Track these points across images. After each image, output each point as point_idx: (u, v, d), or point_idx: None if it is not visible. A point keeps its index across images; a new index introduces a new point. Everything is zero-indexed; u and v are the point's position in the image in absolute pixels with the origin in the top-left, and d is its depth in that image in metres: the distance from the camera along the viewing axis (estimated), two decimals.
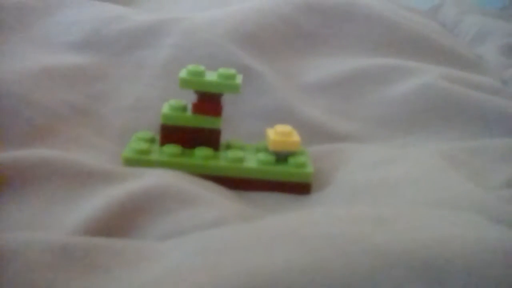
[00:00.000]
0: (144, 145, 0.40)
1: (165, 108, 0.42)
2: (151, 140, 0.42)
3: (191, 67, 0.41)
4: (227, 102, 0.49)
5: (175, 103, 0.42)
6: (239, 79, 0.41)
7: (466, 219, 0.27)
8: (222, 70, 0.41)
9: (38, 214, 0.33)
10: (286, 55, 0.57)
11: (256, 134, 0.47)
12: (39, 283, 0.25)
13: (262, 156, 0.41)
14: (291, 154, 0.41)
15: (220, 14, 0.58)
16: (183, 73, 0.41)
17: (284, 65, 0.56)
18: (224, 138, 0.45)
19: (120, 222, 0.33)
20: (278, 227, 0.25)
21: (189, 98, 0.43)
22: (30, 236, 0.28)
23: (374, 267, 0.21)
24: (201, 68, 0.41)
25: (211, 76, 0.41)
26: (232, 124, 0.48)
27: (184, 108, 0.42)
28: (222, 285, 0.21)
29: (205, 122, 0.41)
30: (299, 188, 0.40)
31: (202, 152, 0.40)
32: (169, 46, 0.52)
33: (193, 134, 0.41)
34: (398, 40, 0.62)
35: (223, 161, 0.40)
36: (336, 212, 0.26)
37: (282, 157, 0.41)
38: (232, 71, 0.41)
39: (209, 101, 0.41)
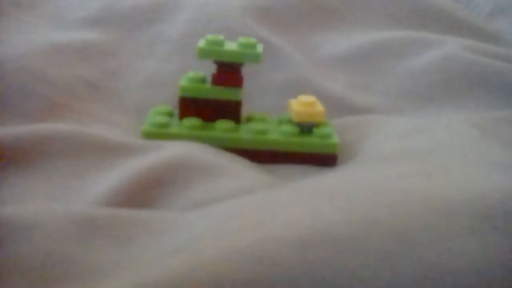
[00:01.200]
0: (163, 119, 0.39)
1: (183, 80, 0.40)
2: (170, 114, 0.41)
3: (210, 36, 0.39)
4: (246, 76, 0.47)
5: (194, 75, 0.40)
6: (260, 48, 0.40)
7: (506, 173, 0.25)
8: (242, 39, 0.39)
9: (57, 187, 0.32)
10: (303, 30, 0.55)
11: (276, 108, 0.46)
12: (61, 254, 0.24)
13: (285, 127, 0.39)
14: (315, 125, 0.40)
15: None
16: (201, 43, 0.39)
17: (301, 39, 0.54)
18: (244, 113, 0.44)
19: (142, 194, 0.32)
20: (318, 186, 0.24)
21: (207, 72, 0.41)
22: (51, 207, 0.27)
23: (429, 219, 0.19)
24: (220, 37, 0.39)
25: (230, 46, 0.39)
26: (251, 98, 0.47)
27: (203, 80, 0.40)
28: (246, 248, 0.19)
29: (225, 93, 0.40)
30: (325, 159, 0.39)
31: (223, 125, 0.39)
32: (183, 21, 0.50)
33: (213, 106, 0.40)
34: (416, 13, 0.60)
35: (245, 133, 0.39)
36: (378, 169, 0.25)
37: (306, 128, 0.40)
38: (252, 40, 0.39)
39: (229, 72, 0.40)
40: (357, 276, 0.18)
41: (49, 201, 0.31)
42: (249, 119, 0.41)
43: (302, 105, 0.39)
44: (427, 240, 0.19)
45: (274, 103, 0.46)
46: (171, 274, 0.19)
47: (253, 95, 0.47)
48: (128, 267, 0.23)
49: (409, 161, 0.31)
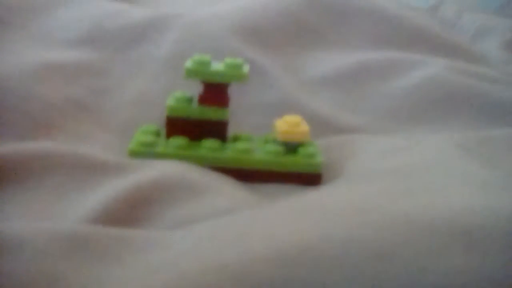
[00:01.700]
0: (149, 138, 0.39)
1: (170, 100, 0.41)
2: (157, 133, 0.41)
3: (196, 56, 0.40)
4: (232, 96, 0.48)
5: (180, 94, 0.41)
6: (246, 68, 0.40)
7: (490, 192, 0.26)
8: (228, 60, 0.40)
9: (44, 206, 0.32)
10: (290, 50, 0.56)
11: (262, 128, 0.46)
12: (48, 271, 0.24)
13: (270, 147, 0.40)
14: (300, 144, 0.40)
15: (223, 9, 0.57)
16: (188, 63, 0.40)
17: (288, 59, 0.55)
18: (230, 132, 0.44)
19: (128, 213, 0.32)
20: (300, 205, 0.24)
21: (194, 92, 0.42)
22: (38, 225, 0.27)
23: (411, 236, 0.20)
24: (207, 57, 0.40)
25: (217, 66, 0.40)
26: (237, 118, 0.47)
27: (189, 100, 0.41)
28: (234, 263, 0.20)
29: (212, 113, 0.40)
30: (310, 179, 0.39)
31: (209, 144, 0.39)
32: (172, 41, 0.51)
33: (199, 126, 0.40)
34: (401, 34, 0.61)
35: (231, 152, 0.39)
36: (361, 187, 0.25)
37: (291, 148, 0.40)
38: (239, 60, 0.40)
39: (215, 92, 0.40)
40: None
41: (36, 219, 0.31)
42: (235, 139, 0.42)
43: (287, 124, 0.40)
44: (409, 257, 0.19)
45: (261, 122, 0.47)
46: None
47: (240, 115, 0.47)
48: (113, 285, 0.24)
49: (392, 179, 0.31)
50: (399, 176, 0.35)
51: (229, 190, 0.34)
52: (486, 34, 0.77)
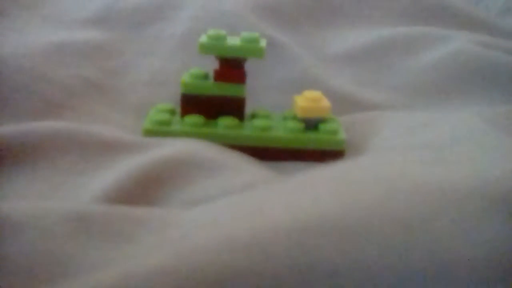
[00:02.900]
0: (164, 116, 0.38)
1: (185, 77, 0.39)
2: (172, 112, 0.40)
3: (211, 31, 0.38)
4: (249, 73, 0.46)
5: (196, 71, 0.39)
6: (263, 42, 0.39)
7: None
8: (245, 34, 0.38)
9: (56, 185, 0.31)
10: (309, 27, 0.54)
11: (281, 105, 0.45)
12: (56, 251, 0.23)
13: (290, 123, 0.38)
14: (321, 120, 0.39)
15: None
16: (203, 38, 0.38)
17: (307, 37, 0.53)
18: (248, 110, 0.43)
19: (143, 191, 0.31)
20: (324, 174, 0.23)
21: (210, 69, 0.40)
22: (45, 204, 0.26)
23: (445, 205, 0.18)
24: (222, 32, 0.38)
25: (233, 40, 0.38)
26: (256, 96, 0.45)
27: (205, 76, 0.39)
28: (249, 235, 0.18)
29: (228, 90, 0.39)
30: (332, 156, 0.38)
31: (226, 122, 0.38)
32: (186, 19, 0.50)
33: (215, 103, 0.39)
34: (424, 9, 0.59)
35: (249, 130, 0.38)
36: (385, 158, 0.24)
37: (311, 124, 0.39)
38: (255, 34, 0.38)
39: (232, 67, 0.38)
40: (360, 265, 0.16)
41: (46, 199, 0.30)
42: (253, 116, 0.40)
43: (307, 100, 0.38)
44: (438, 227, 0.18)
45: (279, 100, 0.45)
46: (162, 263, 0.18)
47: (258, 92, 0.46)
48: (125, 263, 0.22)
49: (419, 152, 0.29)
50: (428, 149, 0.33)
51: (246, 167, 0.33)
52: (511, 10, 0.74)
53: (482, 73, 0.49)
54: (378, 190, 0.19)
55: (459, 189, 0.19)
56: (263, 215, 0.19)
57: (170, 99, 0.44)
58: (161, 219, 0.26)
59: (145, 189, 0.31)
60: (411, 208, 0.18)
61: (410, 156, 0.24)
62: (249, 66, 0.46)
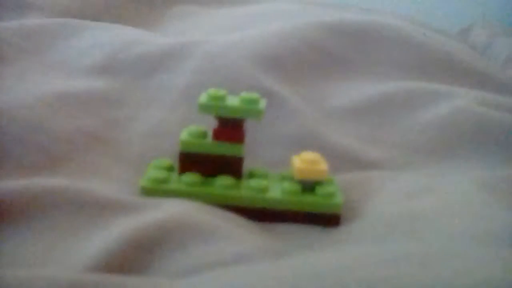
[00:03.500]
0: (162, 174, 0.38)
1: (184, 135, 0.39)
2: (169, 168, 0.40)
3: (211, 91, 0.38)
4: (248, 127, 0.47)
5: (195, 129, 0.39)
6: (262, 103, 0.39)
7: (505, 255, 0.23)
8: (244, 94, 0.38)
9: (47, 248, 0.31)
10: (311, 80, 0.55)
11: (280, 162, 0.45)
12: None
13: (287, 185, 0.38)
14: (318, 183, 0.39)
15: (242, 37, 0.55)
16: (203, 98, 0.39)
17: (309, 89, 0.53)
18: (246, 166, 0.43)
19: (134, 257, 0.31)
20: (305, 269, 0.22)
21: (210, 124, 0.40)
22: (33, 273, 0.26)
23: None
24: (222, 92, 0.38)
25: (232, 101, 0.39)
26: (255, 151, 0.46)
27: (204, 135, 0.39)
28: None
29: (226, 149, 0.39)
30: (328, 219, 0.38)
31: (223, 181, 0.38)
32: (189, 70, 0.50)
33: (213, 162, 0.39)
34: (428, 62, 0.59)
35: (246, 190, 0.38)
36: (371, 251, 0.23)
37: (308, 187, 0.39)
38: (255, 95, 0.38)
39: (230, 127, 0.39)
40: None
41: (37, 264, 0.30)
42: (251, 175, 0.40)
43: (305, 162, 0.38)
44: None
45: (279, 156, 0.45)
46: None
47: (257, 148, 0.46)
48: None
49: (404, 230, 0.29)
50: (419, 223, 0.33)
51: (240, 234, 0.32)
52: None
53: (483, 134, 0.49)
54: None
55: None
56: None
57: (171, 151, 0.44)
58: None
59: (137, 255, 0.31)
60: None
61: (397, 248, 0.24)
62: (251, 121, 0.47)
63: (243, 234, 0.33)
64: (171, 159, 0.43)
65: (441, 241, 0.29)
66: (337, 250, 0.25)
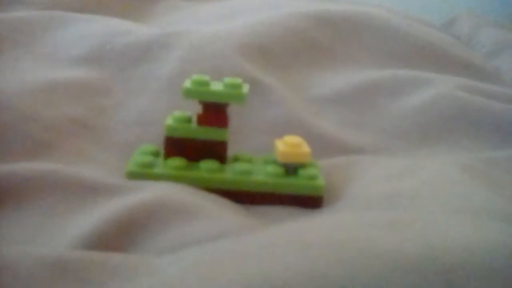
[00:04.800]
0: (148, 158, 0.39)
1: (169, 120, 0.40)
2: (155, 153, 0.41)
3: (195, 76, 0.39)
4: (234, 115, 0.47)
5: (179, 114, 0.40)
6: (245, 88, 0.40)
7: (484, 224, 0.24)
8: (228, 80, 0.39)
9: (35, 228, 0.32)
10: (296, 68, 0.55)
11: (264, 148, 0.45)
12: None
13: (270, 168, 0.39)
14: (301, 166, 0.39)
15: (228, 27, 0.56)
16: (187, 83, 0.39)
17: (293, 78, 0.54)
18: (231, 152, 0.44)
19: (119, 237, 0.31)
20: (280, 234, 0.23)
21: (195, 111, 0.41)
22: (20, 249, 0.27)
23: (382, 274, 0.19)
24: (206, 77, 0.39)
25: (216, 86, 0.39)
26: (239, 137, 0.46)
27: (188, 120, 0.40)
28: None
29: (210, 133, 0.39)
30: (310, 201, 0.38)
31: (207, 165, 0.39)
32: (175, 59, 0.51)
33: (198, 146, 0.40)
34: (411, 51, 0.60)
35: (230, 173, 0.39)
36: (344, 218, 0.24)
37: (291, 169, 0.39)
38: (238, 80, 0.39)
39: (214, 112, 0.39)
40: None
41: (25, 243, 0.31)
42: (235, 159, 0.41)
43: (288, 145, 0.39)
44: None
45: (263, 142, 0.46)
46: None
47: (242, 135, 0.46)
48: None
49: (385, 208, 0.30)
50: (395, 204, 0.33)
51: (223, 214, 0.33)
52: (501, 51, 0.75)
53: (465, 119, 0.50)
54: (327, 258, 0.20)
55: (403, 259, 0.19)
56: (218, 279, 0.19)
57: (156, 139, 0.44)
58: (134, 267, 0.27)
59: (122, 234, 0.31)
60: (353, 279, 0.19)
61: (369, 218, 0.24)
62: (234, 108, 0.47)
63: (226, 214, 0.34)
64: (157, 146, 0.43)
65: (421, 214, 0.29)
66: (316, 218, 0.26)
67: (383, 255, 0.20)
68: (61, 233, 0.32)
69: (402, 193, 0.36)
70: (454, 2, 1.15)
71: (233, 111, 0.47)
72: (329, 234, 0.22)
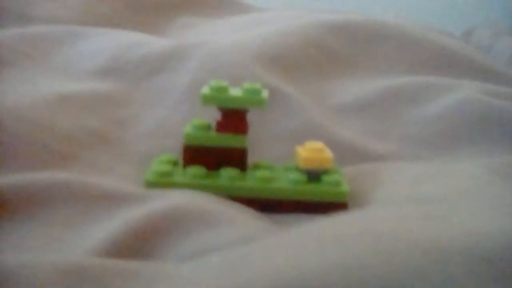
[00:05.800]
0: (166, 168, 0.38)
1: (188, 128, 0.39)
2: (174, 163, 0.40)
3: (213, 82, 0.38)
4: (253, 124, 0.46)
5: (198, 122, 0.39)
6: (265, 93, 0.39)
7: None
8: (247, 85, 0.38)
9: (54, 237, 0.31)
10: (315, 78, 0.54)
11: (285, 157, 0.44)
12: None
13: (292, 175, 0.38)
14: (324, 172, 0.38)
15: (244, 37, 0.55)
16: (205, 89, 0.38)
17: (312, 86, 0.53)
18: (251, 162, 0.43)
19: (140, 244, 0.30)
20: (311, 228, 0.22)
21: (214, 119, 0.40)
22: (38, 256, 0.26)
23: (421, 263, 0.18)
24: (224, 83, 0.38)
25: (235, 92, 0.38)
26: (259, 147, 0.45)
27: (207, 127, 0.39)
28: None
29: (230, 140, 0.38)
30: (335, 208, 0.37)
31: (228, 173, 0.38)
32: (192, 69, 0.50)
33: (218, 154, 0.39)
34: (431, 58, 0.59)
35: (251, 181, 0.38)
36: (378, 211, 0.23)
37: (314, 176, 0.38)
38: (257, 85, 0.38)
39: (234, 118, 0.38)
40: None
41: (42, 252, 0.30)
42: (256, 167, 0.40)
43: (310, 151, 0.38)
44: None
45: (284, 151, 0.45)
46: None
47: (261, 143, 0.45)
48: None
49: (415, 206, 0.29)
50: (428, 203, 0.32)
51: (244, 220, 0.32)
52: None
53: (489, 123, 0.48)
54: (363, 249, 0.19)
55: (445, 249, 0.18)
56: (246, 274, 0.18)
57: (175, 149, 0.44)
58: (153, 274, 0.26)
59: (141, 242, 0.30)
60: (392, 269, 0.17)
61: (403, 212, 0.23)
62: (253, 117, 0.46)
63: (247, 220, 0.32)
64: (175, 155, 0.43)
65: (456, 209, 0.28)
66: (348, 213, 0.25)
67: (421, 245, 0.18)
68: (80, 242, 0.31)
69: (431, 196, 0.35)
70: (471, 14, 1.14)
71: (252, 121, 0.46)
72: (364, 225, 0.21)
